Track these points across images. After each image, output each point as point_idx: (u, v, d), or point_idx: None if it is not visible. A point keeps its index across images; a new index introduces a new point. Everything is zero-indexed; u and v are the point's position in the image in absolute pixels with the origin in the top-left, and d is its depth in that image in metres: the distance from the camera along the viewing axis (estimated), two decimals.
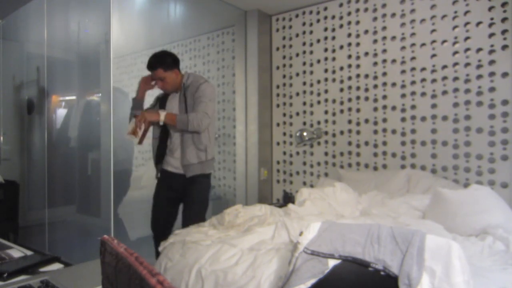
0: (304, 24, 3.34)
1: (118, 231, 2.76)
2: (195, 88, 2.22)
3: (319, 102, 3.24)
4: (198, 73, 3.97)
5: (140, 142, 2.12)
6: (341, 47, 3.09)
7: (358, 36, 3.00)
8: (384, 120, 2.85)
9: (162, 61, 2.19)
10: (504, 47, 2.34)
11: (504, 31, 2.34)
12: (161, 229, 2.34)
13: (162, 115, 2.10)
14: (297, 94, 3.38)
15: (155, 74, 2.21)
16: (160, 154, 2.32)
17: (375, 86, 2.89)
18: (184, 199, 2.32)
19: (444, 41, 2.57)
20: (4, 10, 3.26)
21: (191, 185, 2.27)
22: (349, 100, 3.04)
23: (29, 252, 1.15)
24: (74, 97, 3.21)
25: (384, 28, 2.85)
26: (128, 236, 2.91)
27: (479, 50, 2.43)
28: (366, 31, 2.94)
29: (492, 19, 2.38)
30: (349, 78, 3.04)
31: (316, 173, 3.26)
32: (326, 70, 3.19)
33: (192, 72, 2.44)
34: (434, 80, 2.61)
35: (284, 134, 3.49)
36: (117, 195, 2.71)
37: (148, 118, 2.06)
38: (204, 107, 2.15)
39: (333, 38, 3.14)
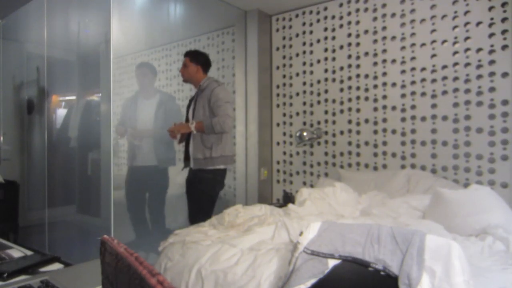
0: (304, 24, 3.34)
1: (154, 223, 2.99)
2: (209, 92, 2.47)
3: (319, 102, 3.23)
4: None
5: (179, 142, 2.60)
6: (341, 47, 3.09)
7: (358, 36, 3.00)
8: (384, 120, 2.85)
9: (193, 53, 2.59)
10: (504, 47, 2.34)
11: (504, 31, 2.34)
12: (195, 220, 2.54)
13: (192, 126, 2.42)
14: (297, 94, 3.38)
15: (184, 60, 2.58)
16: (186, 154, 2.61)
17: (375, 86, 2.89)
18: (190, 192, 2.55)
19: (444, 41, 2.57)
20: (4, 10, 3.26)
21: (196, 179, 2.50)
22: (349, 100, 3.04)
23: (29, 252, 1.15)
24: (74, 97, 3.21)
25: (384, 28, 2.85)
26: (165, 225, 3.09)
27: (479, 50, 2.43)
28: (366, 31, 2.94)
29: (492, 19, 2.38)
30: (349, 78, 3.04)
31: (316, 173, 3.26)
32: (326, 70, 3.19)
33: (212, 77, 2.68)
34: (434, 80, 2.61)
35: (284, 134, 3.49)
36: (163, 188, 3.02)
37: (181, 131, 2.43)
38: (224, 110, 2.40)
39: (333, 38, 3.14)
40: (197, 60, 2.57)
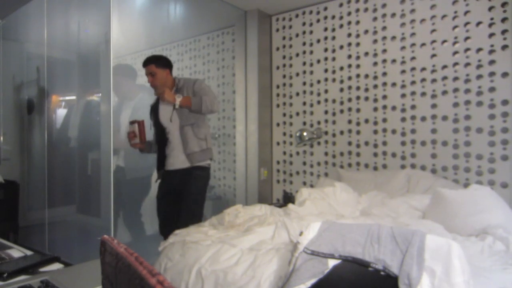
0: (304, 24, 3.34)
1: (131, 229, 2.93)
2: (190, 87, 2.38)
3: (319, 102, 3.23)
4: (198, 73, 3.97)
5: (140, 141, 2.38)
6: (341, 47, 3.08)
7: (358, 36, 2.99)
8: (384, 120, 2.85)
9: (155, 59, 2.39)
10: (504, 47, 2.34)
11: (504, 31, 2.34)
12: (168, 229, 2.40)
13: (178, 100, 2.25)
14: (297, 94, 3.38)
15: (147, 69, 2.38)
16: (160, 160, 2.48)
17: (375, 86, 2.89)
18: (182, 193, 2.41)
19: (444, 41, 2.57)
20: (4, 10, 3.26)
21: (189, 179, 2.38)
22: (349, 100, 3.04)
23: (29, 252, 1.15)
24: (74, 97, 3.21)
25: (384, 28, 2.85)
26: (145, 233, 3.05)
27: (479, 50, 2.43)
28: (366, 31, 2.94)
29: (492, 19, 2.38)
30: (349, 78, 3.04)
31: (316, 173, 3.26)
32: (326, 70, 3.18)
33: (183, 76, 2.58)
34: (434, 80, 2.61)
35: (284, 134, 3.49)
36: (141, 196, 2.95)
37: (166, 97, 2.23)
38: (212, 93, 2.34)
39: (333, 38, 3.14)
40: (162, 63, 2.39)
